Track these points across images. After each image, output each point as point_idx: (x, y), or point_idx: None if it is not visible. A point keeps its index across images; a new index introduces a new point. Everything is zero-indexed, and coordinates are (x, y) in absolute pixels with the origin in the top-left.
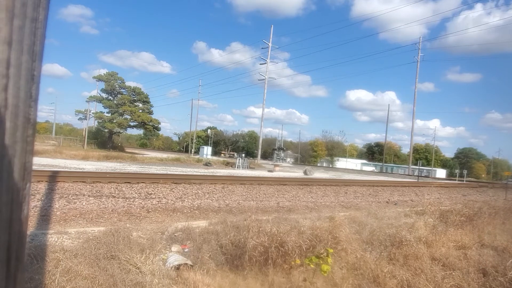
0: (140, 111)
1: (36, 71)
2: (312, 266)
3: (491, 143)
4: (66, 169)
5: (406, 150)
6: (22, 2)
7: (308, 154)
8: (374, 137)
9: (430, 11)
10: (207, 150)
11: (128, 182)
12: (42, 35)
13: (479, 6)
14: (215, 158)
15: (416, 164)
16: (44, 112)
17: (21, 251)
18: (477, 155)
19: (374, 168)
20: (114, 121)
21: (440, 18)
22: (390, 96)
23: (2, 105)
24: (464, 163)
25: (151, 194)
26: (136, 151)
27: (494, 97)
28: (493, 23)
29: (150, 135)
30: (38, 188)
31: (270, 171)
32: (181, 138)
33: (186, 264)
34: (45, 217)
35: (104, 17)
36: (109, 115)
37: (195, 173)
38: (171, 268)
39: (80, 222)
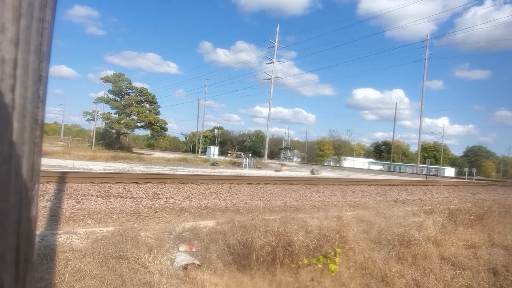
0: (147, 111)
1: (44, 71)
2: (319, 265)
3: (501, 141)
4: (74, 170)
5: (414, 148)
6: (28, 2)
7: (315, 153)
8: (381, 135)
9: (438, 7)
10: (213, 150)
11: (135, 183)
12: (49, 35)
13: (488, 2)
14: (222, 158)
15: (424, 163)
16: (53, 114)
17: (30, 252)
18: (487, 153)
19: (381, 167)
20: (122, 122)
21: (448, 15)
22: (398, 94)
23: (9, 106)
24: (473, 161)
25: (158, 194)
26: (143, 151)
27: (504, 95)
28: (502, 19)
29: (157, 135)
30: (47, 189)
31: (277, 170)
32: (188, 138)
33: (194, 263)
34: (54, 217)
35: (110, 18)
36: (117, 116)
37: (202, 173)
38: (179, 267)
39: (88, 222)
